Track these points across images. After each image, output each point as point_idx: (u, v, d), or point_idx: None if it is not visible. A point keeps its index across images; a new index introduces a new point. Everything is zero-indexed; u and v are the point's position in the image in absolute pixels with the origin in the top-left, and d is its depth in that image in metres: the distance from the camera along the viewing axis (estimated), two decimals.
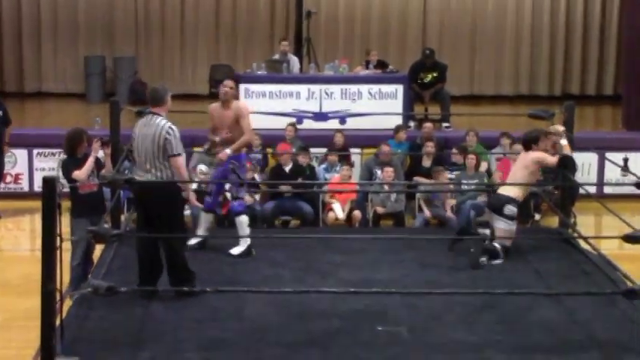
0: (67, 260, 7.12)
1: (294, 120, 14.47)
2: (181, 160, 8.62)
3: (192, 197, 9.34)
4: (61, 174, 9.55)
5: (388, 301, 8.45)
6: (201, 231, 10.30)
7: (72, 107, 19.19)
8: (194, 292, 8.51)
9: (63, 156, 9.96)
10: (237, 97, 9.89)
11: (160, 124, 8.52)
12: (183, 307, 8.13)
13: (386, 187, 12.59)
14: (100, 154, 9.62)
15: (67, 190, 8.71)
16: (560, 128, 10.43)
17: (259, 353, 7.39)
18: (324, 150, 13.85)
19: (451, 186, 12.84)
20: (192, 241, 10.20)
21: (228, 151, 9.97)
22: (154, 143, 8.47)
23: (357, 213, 12.50)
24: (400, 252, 10.28)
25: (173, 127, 8.54)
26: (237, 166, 10.00)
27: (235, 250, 10.09)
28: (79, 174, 9.32)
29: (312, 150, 13.77)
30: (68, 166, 9.57)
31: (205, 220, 10.43)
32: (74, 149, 9.63)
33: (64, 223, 6.90)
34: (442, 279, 9.37)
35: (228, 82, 10.19)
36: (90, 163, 9.43)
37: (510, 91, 20.97)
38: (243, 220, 10.08)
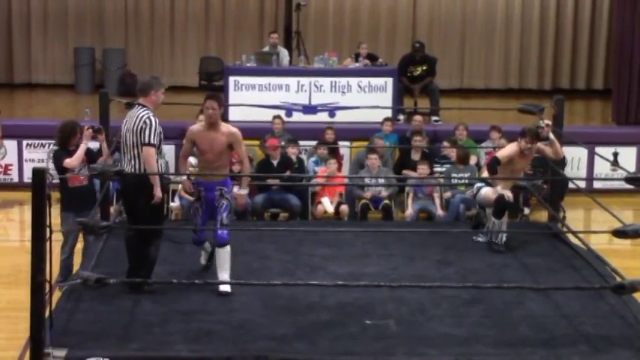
0: (56, 252, 7.11)
1: (279, 113, 14.44)
2: (151, 151, 8.45)
3: (158, 192, 8.55)
4: (51, 165, 9.54)
5: (377, 295, 8.46)
6: (203, 259, 9.44)
7: (61, 98, 19.16)
8: (146, 285, 8.48)
9: (54, 147, 9.94)
10: (222, 118, 9.19)
11: (140, 114, 8.55)
12: (172, 299, 8.13)
13: (373, 174, 12.54)
14: (93, 144, 9.60)
15: (56, 181, 8.71)
16: (547, 122, 10.45)
17: (248, 346, 7.39)
18: (313, 143, 13.84)
19: (440, 180, 12.86)
20: (202, 261, 9.45)
21: (243, 191, 9.24)
22: (132, 133, 8.50)
23: (344, 207, 12.51)
24: (389, 245, 10.29)
25: (152, 117, 8.52)
26: (225, 192, 8.85)
27: (226, 287, 8.66)
28: (71, 161, 9.32)
29: (302, 143, 13.77)
30: (59, 157, 9.55)
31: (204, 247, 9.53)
32: (67, 141, 9.62)
33: (54, 215, 6.90)
34: (430, 273, 9.39)
35: (212, 104, 8.75)
36: (81, 150, 9.42)
37: (500, 84, 21.00)
38: (228, 251, 8.74)
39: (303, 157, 13.55)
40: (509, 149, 10.28)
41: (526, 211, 12.77)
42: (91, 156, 9.70)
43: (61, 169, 9.35)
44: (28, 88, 20.43)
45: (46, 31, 20.62)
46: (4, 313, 9.18)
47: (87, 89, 19.56)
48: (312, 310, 8.17)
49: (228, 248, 8.70)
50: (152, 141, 8.46)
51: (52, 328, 7.17)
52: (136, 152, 8.51)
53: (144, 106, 8.63)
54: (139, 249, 8.67)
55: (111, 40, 20.55)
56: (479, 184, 10.55)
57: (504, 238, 10.23)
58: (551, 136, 10.23)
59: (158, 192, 8.51)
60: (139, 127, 8.47)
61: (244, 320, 7.93)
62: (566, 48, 21.13)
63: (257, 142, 13.49)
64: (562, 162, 11.59)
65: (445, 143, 13.44)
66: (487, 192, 10.30)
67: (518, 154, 10.17)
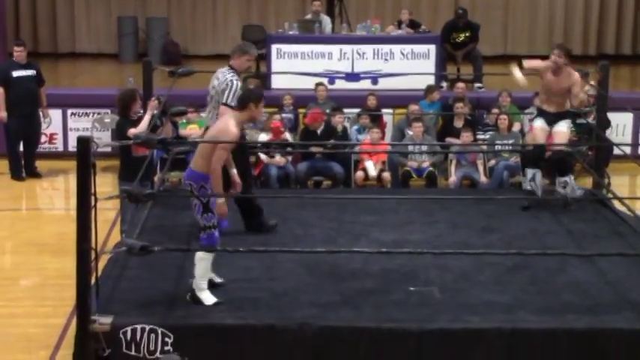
0: (101, 219, 7.16)
1: (323, 80, 14.41)
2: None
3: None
4: (99, 134, 9.49)
5: (420, 262, 8.45)
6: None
7: (105, 67, 19.28)
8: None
9: (114, 116, 9.87)
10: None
11: (226, 75, 9.20)
12: (217, 267, 8.17)
13: (416, 148, 12.54)
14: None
15: (103, 149, 8.72)
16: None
17: (291, 313, 7.42)
18: (356, 110, 13.82)
19: (483, 147, 12.80)
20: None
21: (220, 200, 7.85)
22: (217, 92, 9.20)
23: (386, 175, 12.49)
24: (432, 213, 10.27)
25: (234, 80, 9.12)
26: (194, 188, 7.67)
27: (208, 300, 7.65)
28: (136, 131, 9.22)
29: (345, 110, 13.74)
30: (122, 127, 9.55)
31: None
32: (127, 108, 9.61)
33: (99, 183, 6.94)
34: (474, 240, 9.35)
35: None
36: (146, 120, 9.41)
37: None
38: (206, 258, 7.62)
39: (347, 124, 13.54)
40: (536, 61, 10.56)
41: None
42: (152, 126, 9.64)
43: (124, 139, 9.17)
44: (72, 57, 20.56)
45: (89, 1, 20.70)
46: (52, 281, 9.30)
47: (130, 58, 19.65)
48: (355, 278, 8.18)
49: (206, 255, 7.61)
50: (229, 102, 8.92)
51: (98, 296, 7.24)
52: (218, 110, 9.04)
53: (231, 67, 9.24)
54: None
55: (153, 8, 20.62)
56: None
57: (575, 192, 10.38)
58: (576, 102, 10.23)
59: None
60: (222, 87, 9.10)
61: (287, 288, 7.96)
62: (611, 13, 20.90)
63: (301, 111, 13.50)
64: (606, 124, 11.58)
65: (495, 110, 13.34)
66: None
67: (548, 71, 10.24)
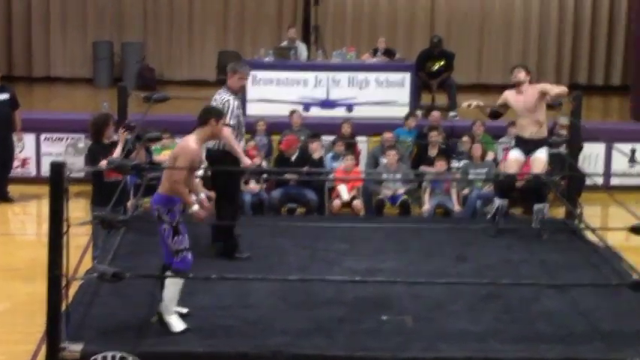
0: (73, 245, 7.11)
1: (297, 108, 14.42)
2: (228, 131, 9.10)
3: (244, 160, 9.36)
4: (71, 159, 9.47)
5: (393, 290, 8.46)
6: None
7: (80, 92, 19.22)
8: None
9: (88, 141, 9.83)
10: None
11: (220, 95, 9.39)
12: (189, 294, 8.13)
13: (391, 170, 12.56)
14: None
15: (76, 175, 8.70)
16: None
17: (264, 341, 7.39)
18: (331, 138, 13.84)
19: (457, 175, 12.84)
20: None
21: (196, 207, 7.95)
22: None
23: (357, 202, 12.48)
24: (406, 241, 10.28)
25: (230, 100, 9.29)
26: (162, 212, 7.52)
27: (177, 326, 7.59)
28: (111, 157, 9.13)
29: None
30: (94, 152, 9.47)
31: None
32: (100, 134, 9.52)
33: (71, 208, 6.90)
34: (447, 269, 9.37)
35: None
36: (119, 150, 9.33)
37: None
38: (178, 282, 7.57)
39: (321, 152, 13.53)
40: (504, 93, 10.71)
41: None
42: (126, 152, 9.58)
43: (96, 164, 9.19)
44: (46, 81, 20.49)
45: (65, 25, 20.68)
46: (21, 307, 9.21)
47: (105, 83, 19.62)
48: (329, 306, 8.16)
49: (177, 281, 7.54)
50: (229, 122, 9.09)
51: (68, 323, 7.19)
52: None
53: (227, 88, 9.41)
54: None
55: (129, 33, 20.60)
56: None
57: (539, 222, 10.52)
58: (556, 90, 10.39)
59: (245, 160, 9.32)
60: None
61: (260, 315, 7.94)
62: (584, 43, 21.08)
63: (275, 138, 13.50)
64: (578, 149, 11.87)
65: (465, 138, 13.42)
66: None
67: (513, 92, 10.47)
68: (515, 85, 10.42)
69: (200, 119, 7.77)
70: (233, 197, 9.52)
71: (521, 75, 10.36)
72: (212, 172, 9.50)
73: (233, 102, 9.28)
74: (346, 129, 13.73)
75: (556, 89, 10.30)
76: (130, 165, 7.90)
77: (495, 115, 10.91)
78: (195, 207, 7.82)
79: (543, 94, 10.25)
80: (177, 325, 7.53)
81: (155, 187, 9.95)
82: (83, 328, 7.45)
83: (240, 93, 9.83)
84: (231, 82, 9.46)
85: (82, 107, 16.40)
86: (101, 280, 7.14)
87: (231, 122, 9.16)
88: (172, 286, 7.55)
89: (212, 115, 7.79)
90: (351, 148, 13.46)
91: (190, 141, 7.63)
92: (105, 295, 8.18)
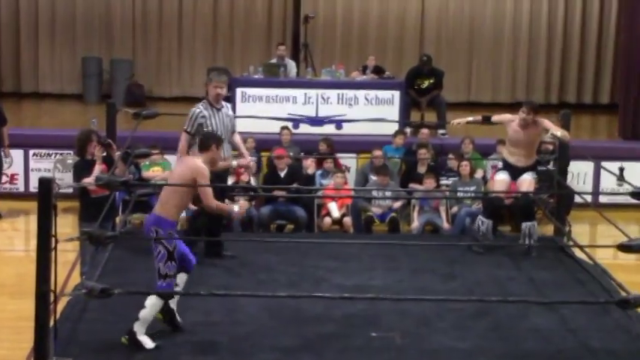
0: (61, 261, 7.09)
1: (287, 124, 14.43)
2: (183, 135, 9.67)
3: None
4: (59, 175, 9.47)
5: (382, 307, 8.46)
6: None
7: (69, 108, 19.17)
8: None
9: (74, 156, 9.86)
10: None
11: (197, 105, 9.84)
12: (178, 310, 8.11)
13: (380, 193, 12.58)
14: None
15: (64, 190, 8.68)
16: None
17: (253, 357, 7.39)
18: (319, 156, 13.81)
19: (446, 193, 12.85)
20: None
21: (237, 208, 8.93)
22: None
23: (347, 220, 12.48)
24: (394, 258, 10.28)
25: (197, 108, 9.73)
26: (161, 234, 7.68)
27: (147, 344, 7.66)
28: (90, 180, 9.16)
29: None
30: (79, 168, 9.51)
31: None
32: (83, 150, 9.58)
33: (59, 224, 6.88)
34: (436, 286, 9.38)
35: None
36: (97, 169, 9.32)
37: (507, 98, 20.96)
38: (158, 304, 7.69)
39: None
40: (505, 115, 10.83)
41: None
42: (110, 166, 9.59)
43: (80, 181, 9.26)
44: (35, 97, 20.43)
45: (54, 41, 20.63)
46: (9, 323, 9.17)
47: (94, 99, 19.57)
48: (318, 322, 8.17)
49: (155, 300, 7.64)
50: (185, 127, 9.60)
51: (56, 338, 7.16)
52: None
53: (205, 99, 9.83)
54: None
55: (118, 50, 20.57)
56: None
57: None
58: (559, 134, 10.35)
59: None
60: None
61: (249, 332, 7.93)
62: (572, 62, 21.11)
63: (264, 154, 13.49)
64: (565, 164, 11.96)
65: (451, 155, 13.45)
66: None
67: (517, 124, 10.49)
68: (520, 119, 10.47)
69: (201, 146, 8.01)
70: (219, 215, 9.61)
71: (530, 117, 10.40)
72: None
73: (196, 111, 9.63)
74: (322, 147, 13.64)
75: (559, 133, 10.34)
76: (118, 181, 7.89)
77: (487, 120, 10.94)
78: (236, 207, 8.72)
79: (545, 131, 10.40)
80: (148, 343, 7.56)
81: (144, 203, 9.97)
82: (71, 344, 7.44)
83: (218, 103, 9.88)
84: (208, 92, 9.77)
85: (70, 123, 16.36)
86: (89, 296, 7.11)
87: (188, 129, 9.59)
88: (152, 307, 7.62)
89: (212, 141, 8.03)
90: (336, 165, 13.40)
91: (197, 162, 7.86)
92: (93, 311, 8.17)
